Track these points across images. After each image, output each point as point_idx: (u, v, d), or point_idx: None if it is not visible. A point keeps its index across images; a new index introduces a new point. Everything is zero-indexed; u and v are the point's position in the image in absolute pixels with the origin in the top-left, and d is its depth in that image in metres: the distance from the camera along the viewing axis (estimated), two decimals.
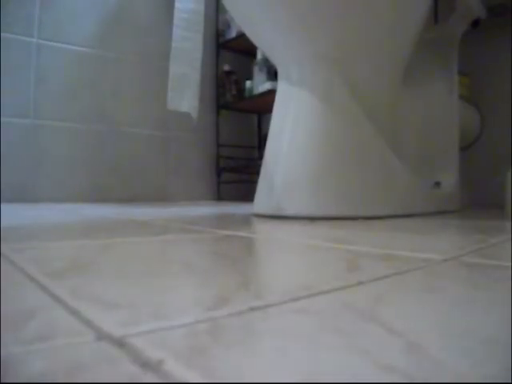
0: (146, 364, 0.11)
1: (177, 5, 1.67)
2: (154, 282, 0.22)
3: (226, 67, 1.91)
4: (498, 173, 0.97)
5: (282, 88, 0.80)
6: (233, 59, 1.97)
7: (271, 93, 1.51)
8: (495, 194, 1.05)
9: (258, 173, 0.83)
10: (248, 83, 1.82)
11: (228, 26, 1.91)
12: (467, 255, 0.30)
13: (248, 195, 1.63)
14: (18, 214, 0.79)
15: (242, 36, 1.65)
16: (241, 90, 1.89)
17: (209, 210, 1.03)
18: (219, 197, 1.94)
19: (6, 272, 0.23)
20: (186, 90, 1.68)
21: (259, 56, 1.74)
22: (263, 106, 1.79)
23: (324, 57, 0.73)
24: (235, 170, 1.94)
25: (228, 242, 0.39)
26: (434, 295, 0.19)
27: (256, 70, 1.74)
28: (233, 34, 1.84)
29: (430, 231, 0.51)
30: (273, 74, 1.64)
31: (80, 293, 0.18)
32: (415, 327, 0.14)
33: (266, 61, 1.66)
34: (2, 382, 0.09)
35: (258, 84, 1.71)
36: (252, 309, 0.16)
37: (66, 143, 1.52)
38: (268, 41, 0.79)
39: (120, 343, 0.12)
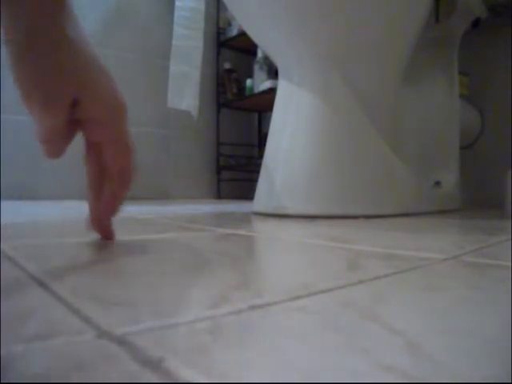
0: (146, 362, 0.11)
1: (177, 3, 1.67)
2: (153, 280, 0.22)
3: (227, 65, 1.91)
4: (498, 173, 0.97)
5: (283, 87, 0.80)
6: (233, 57, 1.96)
7: (272, 91, 1.50)
8: (495, 193, 1.05)
9: (258, 171, 0.83)
10: (248, 81, 1.82)
11: (229, 24, 1.91)
12: (467, 255, 0.30)
13: (248, 194, 1.63)
14: (18, 212, 0.79)
15: (242, 34, 1.65)
16: (241, 88, 1.89)
17: (209, 208, 1.03)
18: (219, 195, 1.94)
19: (6, 270, 0.23)
20: (186, 88, 1.68)
21: (260, 54, 1.73)
22: (264, 104, 1.79)
23: (324, 56, 0.73)
24: (235, 168, 1.94)
25: (228, 240, 0.39)
26: (433, 294, 0.19)
27: (257, 68, 1.74)
28: (234, 32, 1.84)
29: (430, 230, 0.51)
30: (273, 73, 1.64)
31: (80, 291, 0.18)
32: (415, 326, 0.14)
33: (266, 59, 1.66)
34: (2, 381, 0.09)
35: (259, 82, 1.71)
36: (252, 307, 0.16)
37: None
38: (269, 40, 0.79)
39: (120, 341, 0.12)
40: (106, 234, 0.35)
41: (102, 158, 0.33)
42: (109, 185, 0.34)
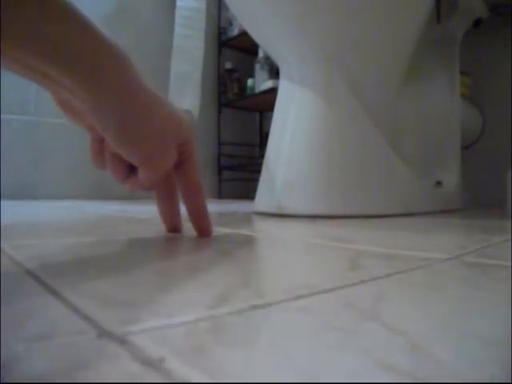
0: (146, 362, 0.11)
1: (178, 3, 1.67)
2: (154, 279, 0.22)
3: (228, 65, 1.91)
4: (499, 173, 0.97)
5: (284, 87, 0.80)
6: (235, 57, 1.96)
7: (273, 91, 1.51)
8: (495, 193, 1.05)
9: (259, 171, 0.83)
10: (250, 81, 1.82)
11: (230, 23, 1.91)
12: (469, 254, 0.30)
13: (249, 193, 1.63)
14: (18, 211, 0.79)
15: (243, 34, 1.65)
16: (242, 88, 1.89)
17: (210, 207, 1.02)
18: (220, 195, 1.94)
19: (6, 269, 0.23)
20: (187, 87, 1.68)
21: (261, 54, 1.73)
22: (265, 104, 1.79)
23: (325, 56, 0.73)
24: (236, 168, 1.94)
25: (229, 240, 0.39)
26: (435, 294, 0.19)
27: (258, 68, 1.74)
28: (235, 31, 1.84)
29: (432, 230, 0.51)
30: (275, 72, 1.64)
31: (81, 290, 0.18)
32: (416, 326, 0.14)
33: (267, 59, 1.66)
34: (2, 381, 0.09)
35: (260, 82, 1.71)
36: (253, 307, 0.16)
37: (66, 140, 1.52)
38: (270, 40, 0.79)
39: (121, 341, 0.12)
40: (178, 230, 0.41)
41: (179, 177, 0.37)
42: (195, 200, 0.38)
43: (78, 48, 0.25)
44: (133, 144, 0.30)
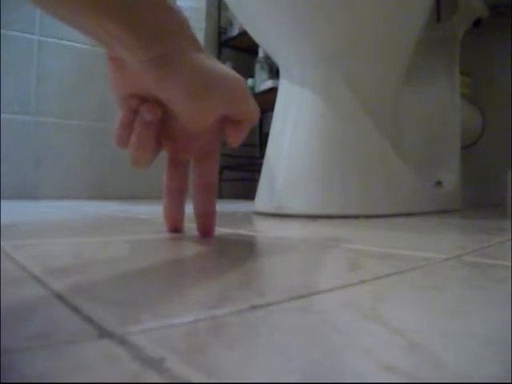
0: (147, 362, 0.11)
1: (178, 3, 1.67)
2: (154, 279, 0.22)
3: (228, 65, 1.91)
4: (498, 173, 0.97)
5: (284, 87, 0.80)
6: (235, 57, 1.96)
7: (273, 91, 1.50)
8: (495, 193, 1.05)
9: (259, 171, 0.83)
10: (250, 81, 1.82)
11: (230, 23, 1.90)
12: (468, 254, 0.30)
13: (249, 193, 1.63)
14: (18, 211, 0.79)
15: (244, 34, 1.65)
16: None
17: None
18: (220, 195, 1.94)
19: (7, 269, 0.23)
20: None
21: (261, 54, 1.73)
22: (265, 104, 1.78)
23: (325, 56, 0.73)
24: (236, 168, 1.94)
25: (229, 240, 0.39)
26: (435, 294, 0.19)
27: (258, 67, 1.74)
28: (235, 31, 1.84)
29: (432, 230, 0.51)
30: (275, 72, 1.63)
31: (81, 290, 0.18)
32: (416, 326, 0.14)
33: (267, 59, 1.66)
34: (2, 381, 0.09)
35: (260, 82, 1.71)
36: (253, 307, 0.16)
37: (67, 140, 1.52)
38: (270, 39, 0.79)
39: (121, 341, 0.12)
40: (179, 230, 0.40)
41: (198, 173, 0.37)
42: (207, 198, 0.38)
43: (143, 9, 0.27)
44: (216, 96, 0.33)
